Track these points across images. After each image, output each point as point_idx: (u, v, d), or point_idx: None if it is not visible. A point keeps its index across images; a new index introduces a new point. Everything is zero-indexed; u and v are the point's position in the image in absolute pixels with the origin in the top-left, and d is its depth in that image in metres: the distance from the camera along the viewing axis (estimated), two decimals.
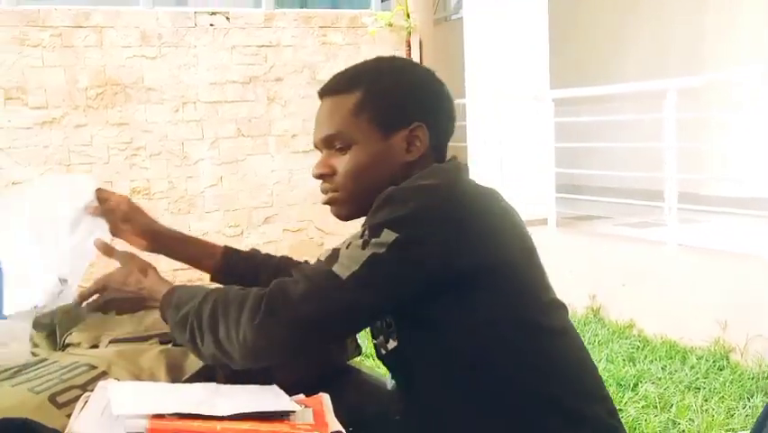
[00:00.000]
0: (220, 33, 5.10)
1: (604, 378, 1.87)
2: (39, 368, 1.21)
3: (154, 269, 1.30)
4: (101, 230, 1.41)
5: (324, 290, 1.00)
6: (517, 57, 4.90)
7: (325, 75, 5.39)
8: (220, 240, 5.49)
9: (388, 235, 1.01)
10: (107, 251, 1.38)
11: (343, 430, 0.98)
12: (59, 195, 1.37)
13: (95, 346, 1.37)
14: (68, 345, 1.41)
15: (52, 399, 1.06)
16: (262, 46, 5.21)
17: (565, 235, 4.80)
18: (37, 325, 1.52)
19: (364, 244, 1.01)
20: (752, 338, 3.71)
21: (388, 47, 5.22)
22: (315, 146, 1.26)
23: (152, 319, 1.43)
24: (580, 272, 4.47)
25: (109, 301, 1.31)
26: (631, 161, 5.14)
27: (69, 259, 1.37)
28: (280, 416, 0.97)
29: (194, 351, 1.11)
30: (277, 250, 5.57)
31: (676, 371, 3.66)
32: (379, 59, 1.29)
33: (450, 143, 1.24)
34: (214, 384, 1.10)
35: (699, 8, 6.10)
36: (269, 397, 1.04)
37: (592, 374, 1.18)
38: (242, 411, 0.95)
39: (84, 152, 4.82)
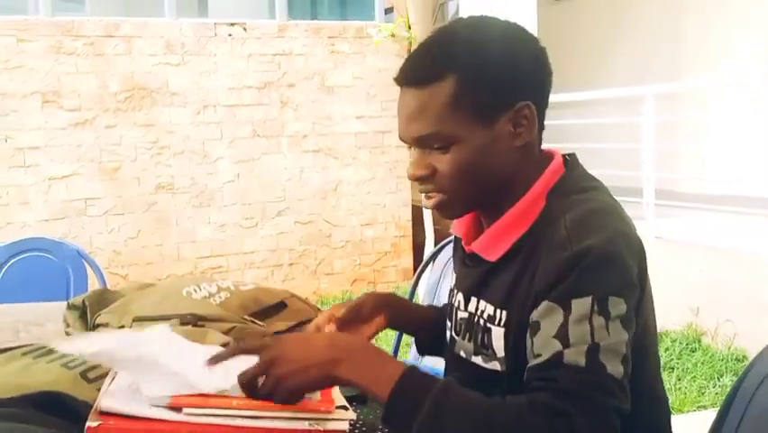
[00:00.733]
0: (238, 43, 5.09)
1: None
2: None
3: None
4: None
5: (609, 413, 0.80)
6: None
7: (334, 81, 5.40)
8: (237, 231, 5.50)
9: (618, 306, 0.84)
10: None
11: (348, 405, 0.97)
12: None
13: (122, 327, 1.37)
14: (98, 325, 1.41)
15: (84, 374, 1.06)
16: (276, 54, 5.20)
17: None
18: (70, 307, 1.53)
19: (605, 323, 0.82)
20: (722, 323, 3.70)
21: (391, 55, 5.21)
22: (404, 141, 0.99)
23: (173, 302, 1.43)
24: None
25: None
26: (612, 161, 5.13)
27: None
28: None
29: None
30: (288, 240, 5.56)
31: None
32: (465, 30, 0.95)
33: None
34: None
35: (677, 19, 6.08)
36: None
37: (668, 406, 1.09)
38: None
39: (114, 151, 4.82)
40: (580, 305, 0.83)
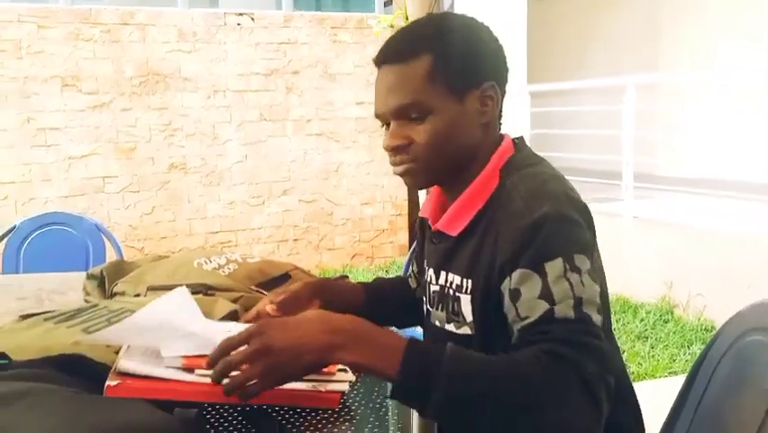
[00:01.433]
0: (246, 32, 5.04)
1: None
2: (91, 312, 1.22)
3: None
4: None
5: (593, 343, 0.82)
6: None
7: (336, 69, 5.37)
8: (245, 208, 5.50)
9: (584, 262, 0.86)
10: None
11: (347, 367, 0.95)
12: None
13: (137, 295, 1.37)
14: (116, 293, 1.42)
15: None
16: (282, 43, 5.15)
17: None
18: (89, 276, 1.53)
19: (579, 278, 0.84)
20: (693, 296, 3.73)
21: None
22: (379, 117, 1.01)
23: (185, 272, 1.43)
24: None
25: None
26: (595, 146, 5.13)
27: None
28: None
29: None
30: (292, 217, 5.57)
31: (628, 323, 3.68)
32: (437, 19, 1.02)
33: None
34: (233, 323, 1.08)
35: (656, 14, 6.03)
36: None
37: (628, 381, 1.07)
38: None
39: (129, 132, 4.80)
40: (554, 267, 0.85)
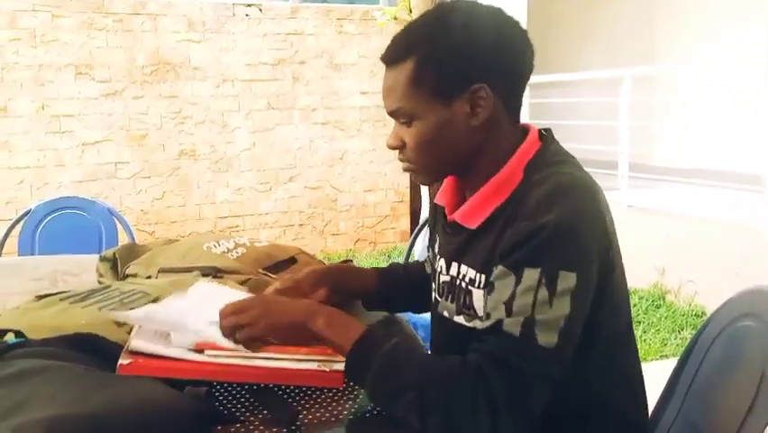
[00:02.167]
0: (254, 22, 5.02)
1: None
2: (104, 293, 1.22)
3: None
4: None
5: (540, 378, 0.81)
6: None
7: (341, 59, 5.35)
8: (252, 194, 5.48)
9: (566, 281, 0.82)
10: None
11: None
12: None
13: (149, 277, 1.37)
14: (128, 275, 1.42)
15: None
16: (289, 34, 5.12)
17: None
18: (102, 258, 1.53)
19: (548, 297, 0.81)
20: (684, 283, 3.73)
21: None
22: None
23: (195, 255, 1.43)
24: None
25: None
26: (592, 136, 5.11)
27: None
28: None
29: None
30: (298, 203, 5.56)
31: None
32: (433, 17, 0.95)
33: None
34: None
35: (652, 7, 5.98)
36: None
37: (640, 383, 1.04)
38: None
39: (140, 120, 4.79)
40: (530, 275, 0.82)
